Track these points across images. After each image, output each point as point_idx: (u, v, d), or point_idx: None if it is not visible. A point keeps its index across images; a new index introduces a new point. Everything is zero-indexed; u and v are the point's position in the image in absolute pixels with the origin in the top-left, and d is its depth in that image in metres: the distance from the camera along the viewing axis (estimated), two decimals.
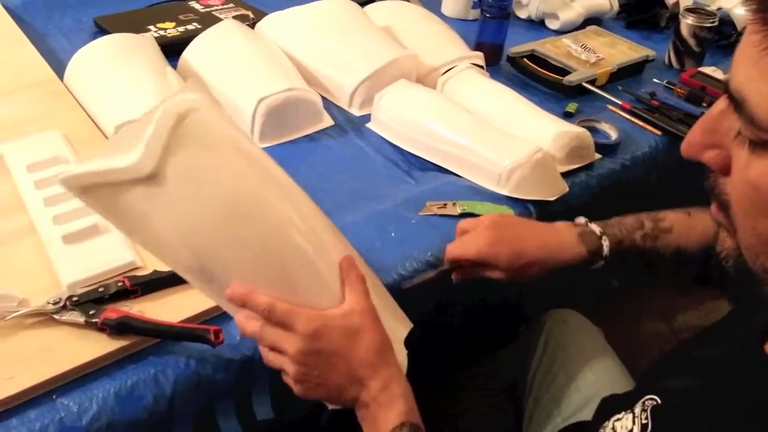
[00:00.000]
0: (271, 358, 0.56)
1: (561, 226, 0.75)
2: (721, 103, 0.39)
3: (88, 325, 0.59)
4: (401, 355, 0.60)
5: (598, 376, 0.81)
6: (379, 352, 0.55)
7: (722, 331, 0.57)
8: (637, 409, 0.51)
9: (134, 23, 1.17)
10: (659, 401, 0.50)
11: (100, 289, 0.63)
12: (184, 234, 0.52)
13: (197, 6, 1.28)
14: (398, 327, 0.63)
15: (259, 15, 1.22)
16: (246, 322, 0.55)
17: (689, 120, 1.05)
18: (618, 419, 0.53)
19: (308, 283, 0.56)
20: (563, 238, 0.73)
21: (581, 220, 0.76)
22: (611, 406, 0.58)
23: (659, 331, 1.33)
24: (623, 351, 0.87)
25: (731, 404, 0.44)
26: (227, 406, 0.64)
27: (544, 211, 0.86)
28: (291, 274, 0.55)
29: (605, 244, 0.73)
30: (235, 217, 0.52)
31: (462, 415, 1.02)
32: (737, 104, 0.36)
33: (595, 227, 0.75)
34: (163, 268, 0.65)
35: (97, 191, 0.50)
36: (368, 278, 0.60)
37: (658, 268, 0.78)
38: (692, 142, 0.41)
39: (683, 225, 0.77)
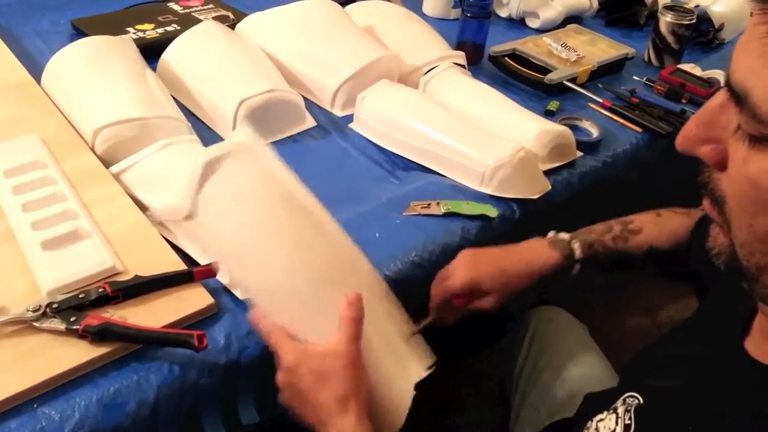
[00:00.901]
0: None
1: (530, 241, 0.78)
2: (720, 97, 0.38)
3: (69, 332, 0.58)
4: (401, 399, 0.60)
5: (583, 371, 0.82)
6: (341, 400, 0.54)
7: (700, 326, 0.57)
8: (620, 409, 0.51)
9: (113, 25, 1.16)
10: (641, 400, 0.50)
11: (81, 296, 0.62)
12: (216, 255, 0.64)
13: (176, 7, 1.27)
14: (402, 372, 0.62)
15: (240, 16, 1.21)
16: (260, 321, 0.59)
17: (669, 117, 1.07)
18: (601, 419, 0.53)
19: (312, 311, 0.59)
20: (536, 249, 0.76)
21: (550, 233, 0.79)
22: (594, 404, 0.58)
23: (643, 326, 1.34)
24: (608, 346, 0.88)
25: (713, 405, 0.44)
26: (212, 411, 0.63)
27: (527, 209, 0.86)
28: (302, 297, 0.59)
29: (576, 246, 0.75)
30: (250, 246, 0.60)
31: (450, 412, 1.02)
32: (738, 98, 0.35)
33: (564, 235, 0.77)
34: (144, 272, 0.64)
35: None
36: (378, 316, 0.61)
37: (633, 268, 0.80)
38: (688, 135, 0.40)
39: (653, 225, 0.78)
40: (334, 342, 0.55)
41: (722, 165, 0.39)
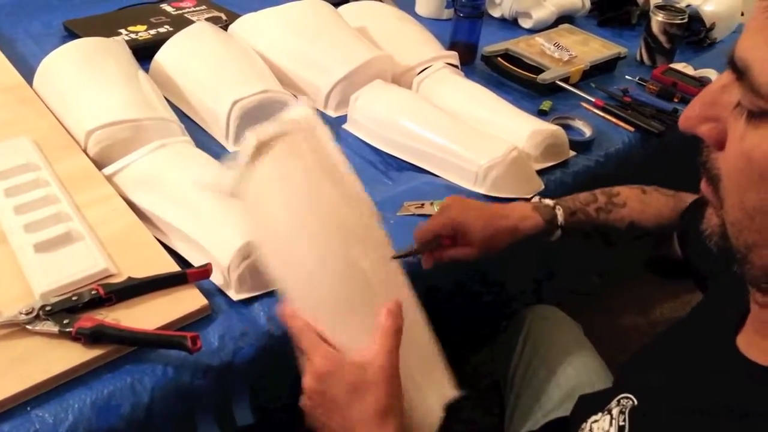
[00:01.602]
0: (301, 361, 0.56)
1: (515, 203, 0.79)
2: (724, 78, 0.39)
3: (62, 334, 0.58)
4: (430, 418, 0.57)
5: (578, 370, 0.82)
6: (381, 415, 0.51)
7: (694, 325, 0.57)
8: (615, 411, 0.51)
9: (105, 27, 1.15)
10: (635, 402, 0.51)
11: (74, 298, 0.61)
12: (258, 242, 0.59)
13: (169, 9, 1.27)
14: (432, 392, 0.59)
15: (232, 17, 1.21)
16: (290, 319, 0.56)
17: (661, 116, 1.07)
18: (595, 420, 0.53)
19: (348, 314, 0.56)
20: (521, 210, 0.77)
21: (535, 198, 0.80)
22: (588, 405, 0.58)
23: (637, 325, 1.34)
24: (602, 345, 0.88)
25: (706, 404, 0.44)
26: (206, 413, 0.63)
27: None
28: (340, 299, 0.56)
29: (559, 213, 0.76)
30: (294, 238, 0.56)
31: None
32: (740, 72, 0.36)
33: (548, 201, 0.78)
34: (138, 274, 0.64)
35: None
36: (414, 330, 0.58)
37: (615, 242, 0.80)
38: (690, 115, 0.41)
39: (637, 201, 0.79)
40: (372, 353, 0.52)
41: (721, 144, 0.40)
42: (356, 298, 0.56)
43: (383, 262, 0.59)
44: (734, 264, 0.42)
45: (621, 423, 0.49)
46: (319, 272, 0.55)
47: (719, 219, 0.42)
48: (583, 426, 0.54)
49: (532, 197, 0.80)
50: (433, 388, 0.59)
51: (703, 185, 0.43)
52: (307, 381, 0.54)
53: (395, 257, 0.62)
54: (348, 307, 0.56)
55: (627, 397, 0.51)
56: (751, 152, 0.37)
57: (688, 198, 0.78)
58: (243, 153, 0.55)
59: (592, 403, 0.57)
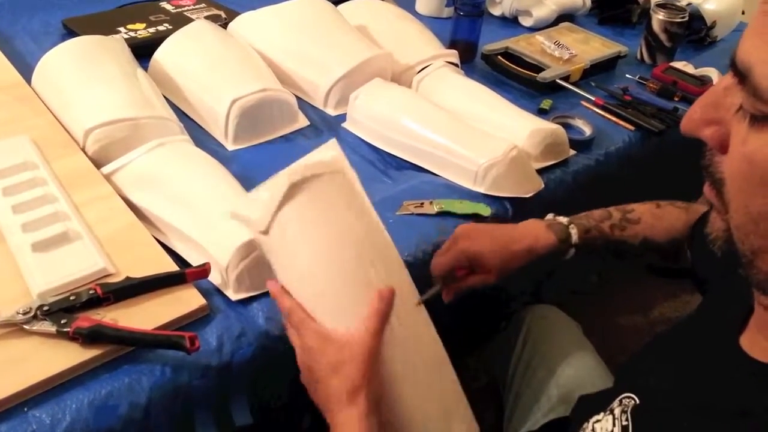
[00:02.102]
0: (292, 336, 0.59)
1: (528, 221, 0.78)
2: (726, 79, 0.39)
3: (60, 334, 0.58)
4: None
5: (577, 370, 0.82)
6: (351, 391, 0.53)
7: (696, 324, 0.57)
8: (617, 410, 0.51)
9: (104, 25, 1.15)
10: (638, 401, 0.50)
11: (72, 298, 0.61)
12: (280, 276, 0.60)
13: (168, 7, 1.27)
14: (456, 425, 0.61)
15: (232, 15, 1.20)
16: (281, 296, 0.59)
17: (661, 115, 1.07)
18: (597, 420, 0.53)
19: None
20: (534, 231, 0.76)
21: (549, 216, 0.79)
22: (589, 405, 0.58)
23: (636, 325, 1.34)
24: (601, 345, 0.88)
25: (708, 403, 0.44)
26: (205, 413, 0.63)
27: (520, 208, 0.86)
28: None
29: (573, 232, 0.76)
30: (320, 282, 0.58)
31: None
32: (741, 76, 0.36)
33: (562, 219, 0.78)
34: (136, 274, 0.64)
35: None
36: (444, 367, 0.61)
37: (627, 257, 0.80)
38: (692, 117, 0.41)
39: (651, 216, 0.78)
40: (355, 333, 0.55)
41: (724, 147, 0.39)
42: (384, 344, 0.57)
43: (411, 311, 0.61)
44: (740, 268, 0.41)
45: (624, 423, 0.49)
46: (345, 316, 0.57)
47: (724, 223, 0.41)
48: (585, 426, 0.54)
49: (545, 216, 0.79)
50: (459, 420, 0.62)
51: (707, 189, 0.42)
52: (299, 356, 0.58)
53: (421, 302, 0.63)
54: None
55: (629, 397, 0.51)
56: (754, 156, 0.36)
57: (701, 209, 0.77)
58: (274, 193, 0.56)
59: (593, 404, 0.56)
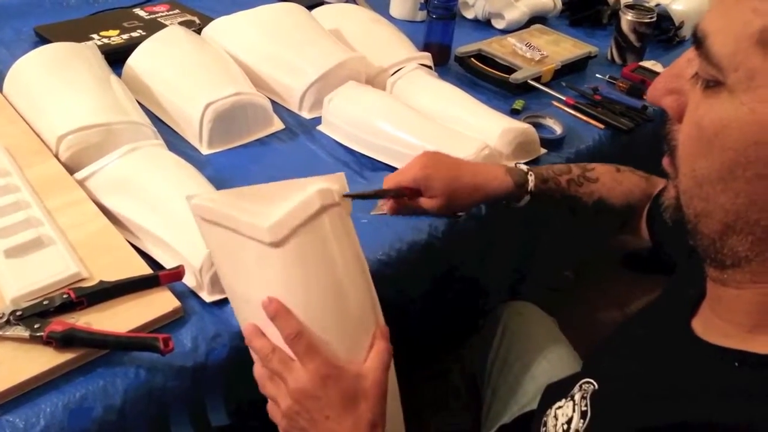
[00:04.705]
0: (268, 386, 0.55)
1: (490, 164, 0.79)
2: (690, 51, 0.41)
3: (34, 339, 0.58)
4: None
5: (553, 364, 0.84)
6: (372, 426, 0.52)
7: (655, 310, 0.59)
8: (577, 396, 0.52)
9: (77, 32, 1.15)
10: (596, 386, 0.52)
11: (45, 302, 0.61)
12: (273, 295, 0.54)
13: (142, 13, 1.27)
14: None
15: (205, 20, 1.20)
16: (256, 337, 0.55)
17: (630, 113, 1.09)
18: (559, 407, 0.54)
19: (347, 330, 0.56)
20: (493, 171, 0.77)
21: (510, 162, 0.80)
22: (554, 393, 0.59)
23: (613, 319, 1.36)
24: (578, 339, 0.89)
25: (664, 386, 0.45)
26: (181, 415, 0.63)
27: (493, 206, 0.87)
28: (335, 317, 0.56)
29: (530, 179, 0.77)
30: (323, 300, 0.55)
31: (423, 410, 1.03)
32: (699, 43, 0.38)
33: (522, 165, 0.79)
34: (110, 278, 0.64)
35: (217, 228, 0.56)
36: (392, 402, 0.59)
37: (581, 215, 0.80)
38: (656, 87, 0.43)
39: (610, 179, 0.79)
40: (367, 367, 0.54)
41: (681, 116, 0.42)
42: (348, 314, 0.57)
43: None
44: (689, 237, 0.43)
45: (584, 408, 0.50)
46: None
47: (675, 190, 0.43)
48: (548, 412, 0.55)
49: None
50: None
51: (665, 159, 0.44)
52: (301, 383, 0.52)
53: (348, 195, 0.58)
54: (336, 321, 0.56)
55: (588, 382, 0.53)
56: (701, 120, 0.38)
57: (661, 183, 0.78)
58: (296, 208, 0.53)
59: (556, 390, 0.58)
